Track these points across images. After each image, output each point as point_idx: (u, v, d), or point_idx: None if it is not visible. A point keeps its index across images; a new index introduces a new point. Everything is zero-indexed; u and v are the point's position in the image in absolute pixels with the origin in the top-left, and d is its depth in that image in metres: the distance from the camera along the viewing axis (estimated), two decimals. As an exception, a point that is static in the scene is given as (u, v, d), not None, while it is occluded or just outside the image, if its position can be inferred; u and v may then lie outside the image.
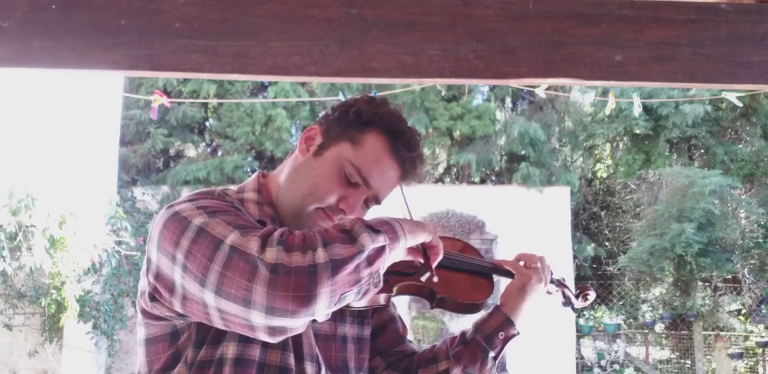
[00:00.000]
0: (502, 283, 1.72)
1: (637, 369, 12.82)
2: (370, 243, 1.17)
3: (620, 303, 13.97)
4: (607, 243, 14.67)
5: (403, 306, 11.16)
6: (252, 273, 1.10)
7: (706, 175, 11.82)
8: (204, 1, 2.08)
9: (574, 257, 12.96)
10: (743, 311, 13.26)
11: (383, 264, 1.21)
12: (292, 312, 1.11)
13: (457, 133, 13.95)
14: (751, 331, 13.09)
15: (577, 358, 12.49)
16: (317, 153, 1.44)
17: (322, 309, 1.14)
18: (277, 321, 1.12)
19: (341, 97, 4.07)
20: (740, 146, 13.69)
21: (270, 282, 1.09)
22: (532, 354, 11.42)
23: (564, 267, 12.10)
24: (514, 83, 2.48)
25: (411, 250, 1.32)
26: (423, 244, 1.34)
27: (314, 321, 1.31)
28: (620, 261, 13.00)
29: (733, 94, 4.68)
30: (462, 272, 1.59)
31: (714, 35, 2.14)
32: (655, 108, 12.58)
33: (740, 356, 12.52)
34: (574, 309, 1.80)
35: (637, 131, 13.20)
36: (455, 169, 15.13)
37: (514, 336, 1.59)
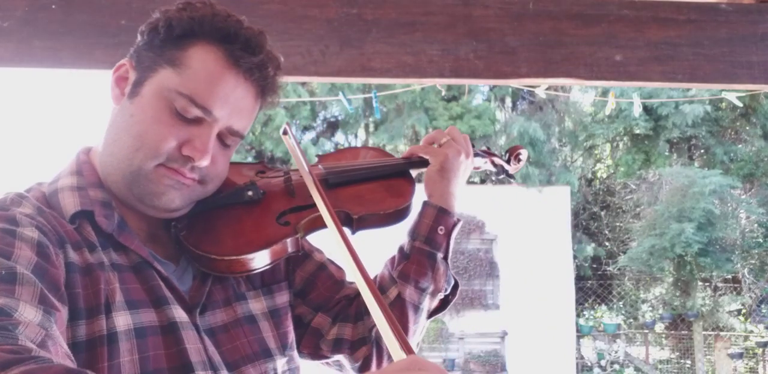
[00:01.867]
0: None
1: (637, 369, 12.82)
2: None
3: (620, 303, 13.98)
4: (607, 243, 14.68)
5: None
6: None
7: (706, 175, 11.83)
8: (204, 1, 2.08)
9: (574, 257, 12.97)
10: (743, 311, 13.27)
11: None
12: None
13: (457, 133, 13.97)
14: (751, 331, 13.09)
15: (577, 358, 12.50)
16: (133, 93, 1.06)
17: None
18: None
19: (341, 97, 4.06)
20: (740, 146, 13.71)
21: None
22: (532, 354, 11.43)
23: (564, 267, 12.12)
24: (514, 83, 2.48)
25: None
26: None
27: (202, 313, 1.09)
28: (620, 261, 13.01)
29: (733, 94, 4.68)
30: (370, 181, 1.33)
31: (714, 35, 2.14)
32: (655, 108, 12.60)
33: (740, 356, 12.52)
34: (510, 175, 1.56)
35: (637, 131, 13.22)
36: (455, 169, 15.13)
37: (455, 225, 1.32)
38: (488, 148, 1.55)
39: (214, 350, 1.07)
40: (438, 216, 1.29)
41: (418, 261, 1.27)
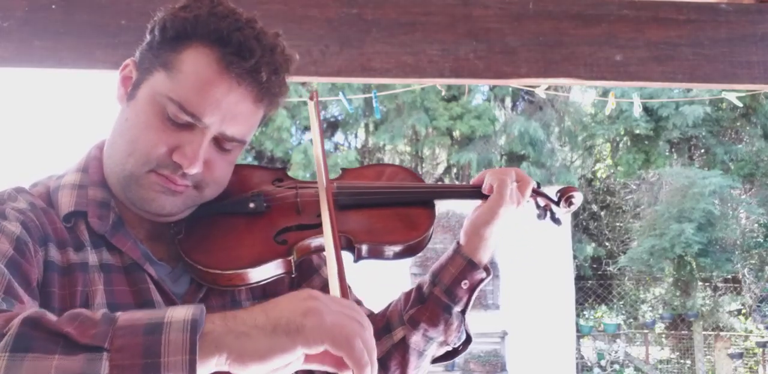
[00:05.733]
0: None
1: (637, 369, 12.82)
2: None
3: (620, 303, 13.97)
4: (607, 243, 14.67)
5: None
6: None
7: (706, 176, 11.83)
8: (204, 1, 2.08)
9: (574, 257, 12.96)
10: (743, 311, 13.27)
11: None
12: None
13: (457, 133, 13.96)
14: (751, 331, 13.09)
15: (577, 358, 12.49)
16: (131, 95, 1.05)
17: None
18: None
19: (341, 97, 4.06)
20: (740, 146, 13.70)
21: None
22: (532, 354, 11.42)
23: (564, 267, 12.12)
24: (514, 83, 2.48)
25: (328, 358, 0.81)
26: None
27: None
28: (620, 261, 13.01)
29: (733, 94, 4.68)
30: (385, 207, 1.18)
31: (714, 35, 2.14)
32: (655, 109, 12.59)
33: (740, 356, 12.52)
34: (556, 220, 1.33)
35: (638, 131, 13.22)
36: (455, 169, 15.13)
37: (482, 280, 1.22)
38: (537, 186, 1.31)
39: None
40: (466, 269, 1.20)
41: (432, 310, 1.19)
